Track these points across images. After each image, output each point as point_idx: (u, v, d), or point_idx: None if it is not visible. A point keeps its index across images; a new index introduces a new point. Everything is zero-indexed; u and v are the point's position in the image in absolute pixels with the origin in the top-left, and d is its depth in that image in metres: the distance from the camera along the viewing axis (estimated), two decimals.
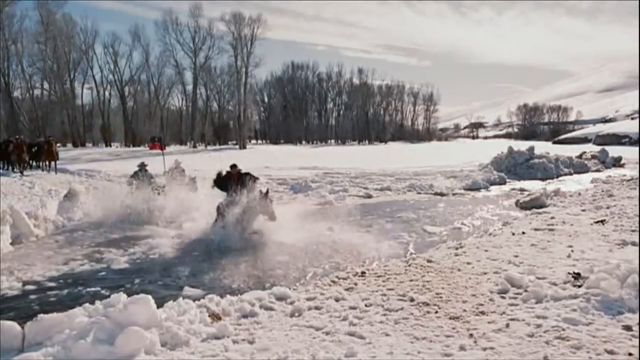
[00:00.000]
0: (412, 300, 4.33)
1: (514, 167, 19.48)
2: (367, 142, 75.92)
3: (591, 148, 36.29)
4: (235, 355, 3.26)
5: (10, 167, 19.73)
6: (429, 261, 5.76)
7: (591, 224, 7.68)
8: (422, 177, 16.82)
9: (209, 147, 53.60)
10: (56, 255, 6.58)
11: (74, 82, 50.40)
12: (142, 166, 10.60)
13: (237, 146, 53.59)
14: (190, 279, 5.54)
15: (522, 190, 14.21)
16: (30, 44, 44.79)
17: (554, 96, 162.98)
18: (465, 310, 4.02)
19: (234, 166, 8.70)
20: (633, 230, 6.87)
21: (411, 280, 4.96)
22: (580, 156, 25.39)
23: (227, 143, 60.05)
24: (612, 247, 5.96)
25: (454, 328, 3.67)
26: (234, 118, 58.59)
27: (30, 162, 19.96)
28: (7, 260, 6.21)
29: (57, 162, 19.92)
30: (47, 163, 19.79)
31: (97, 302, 3.78)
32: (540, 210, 9.84)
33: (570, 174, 20.39)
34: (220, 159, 30.79)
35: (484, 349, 3.27)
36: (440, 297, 4.38)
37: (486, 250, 6.19)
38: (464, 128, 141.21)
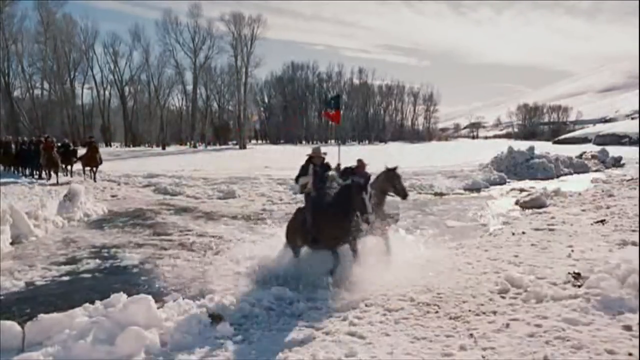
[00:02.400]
0: (412, 300, 4.34)
1: (514, 167, 19.45)
2: (367, 142, 75.91)
3: (591, 148, 36.18)
4: (235, 355, 3.26)
5: (36, 173, 17.11)
6: (428, 261, 5.76)
7: (591, 224, 7.68)
8: (422, 177, 16.80)
9: (209, 147, 53.63)
10: (56, 255, 6.58)
11: (74, 82, 50.54)
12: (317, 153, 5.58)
13: (237, 146, 53.62)
14: (190, 278, 5.54)
15: (522, 190, 14.19)
16: (30, 44, 44.91)
17: (554, 96, 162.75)
18: (465, 310, 4.02)
19: None
20: (633, 230, 6.86)
21: (411, 280, 4.95)
22: (580, 156, 25.35)
23: (227, 143, 60.06)
24: (612, 247, 5.95)
25: (454, 328, 3.67)
26: (234, 118, 58.61)
27: (64, 166, 16.88)
28: (7, 260, 6.21)
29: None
30: (90, 169, 16.60)
31: (97, 302, 3.78)
32: (540, 210, 9.83)
33: (570, 173, 20.35)
34: (221, 158, 30.82)
35: (484, 349, 3.27)
36: (440, 297, 4.38)
37: (486, 250, 6.19)
38: (464, 128, 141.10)
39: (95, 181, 15.96)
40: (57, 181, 15.17)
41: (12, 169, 18.95)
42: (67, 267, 6.00)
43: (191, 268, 5.96)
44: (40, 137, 20.24)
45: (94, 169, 16.59)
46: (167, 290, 5.09)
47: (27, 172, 18.06)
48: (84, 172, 16.80)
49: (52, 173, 15.85)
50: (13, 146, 19.03)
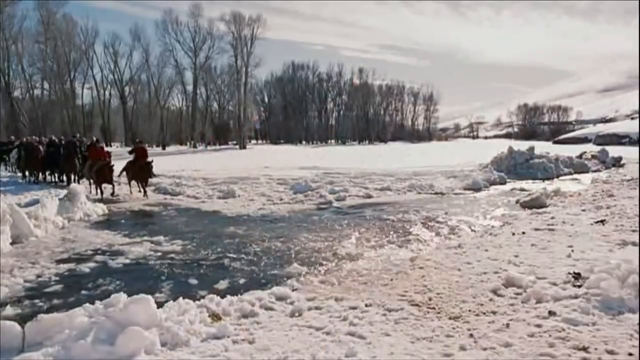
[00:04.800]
0: (412, 300, 4.34)
1: (514, 167, 19.46)
2: (367, 142, 75.98)
3: (591, 148, 36.23)
4: (235, 355, 3.26)
5: (64, 180, 14.61)
6: (427, 260, 5.76)
7: (591, 224, 7.67)
8: (422, 177, 16.82)
9: (209, 147, 53.68)
10: (56, 255, 6.58)
11: (74, 82, 50.68)
12: None
13: (237, 146, 53.66)
14: (190, 278, 5.54)
15: (522, 190, 14.20)
16: (31, 44, 44.98)
17: (554, 96, 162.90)
18: (465, 310, 4.02)
19: None
20: (633, 230, 6.86)
21: (411, 280, 4.96)
22: (580, 156, 25.37)
23: (227, 143, 60.18)
24: (612, 247, 5.95)
25: (454, 328, 3.66)
26: (234, 118, 58.68)
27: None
28: (7, 260, 6.20)
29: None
30: (138, 183, 12.88)
31: (97, 302, 3.78)
32: (540, 210, 9.83)
33: (571, 173, 20.36)
34: (221, 158, 30.83)
35: (484, 349, 3.27)
36: (440, 297, 4.38)
37: (486, 250, 6.18)
38: (464, 128, 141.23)
39: (146, 196, 12.44)
40: (102, 197, 12.16)
41: (40, 175, 15.93)
42: (67, 267, 6.00)
43: (194, 267, 5.96)
44: (74, 136, 17.36)
45: (144, 183, 12.75)
46: (167, 289, 5.09)
47: (60, 178, 15.37)
48: (133, 185, 13.19)
49: (100, 187, 12.52)
50: (42, 148, 15.63)
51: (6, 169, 20.69)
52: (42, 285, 5.32)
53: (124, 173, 13.15)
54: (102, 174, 12.21)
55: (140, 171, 12.56)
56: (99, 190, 12.50)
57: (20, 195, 12.21)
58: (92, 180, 12.86)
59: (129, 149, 13.95)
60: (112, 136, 56.56)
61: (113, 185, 12.64)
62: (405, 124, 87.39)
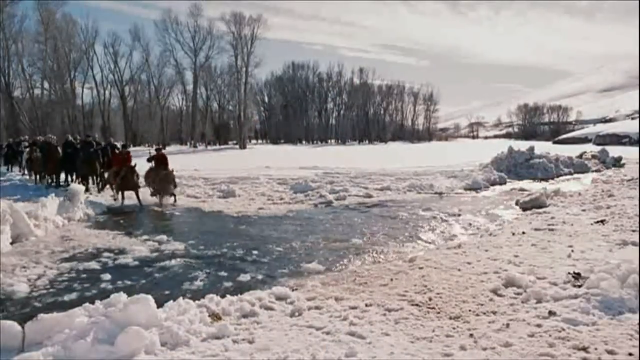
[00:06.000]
0: (412, 300, 4.34)
1: (514, 167, 19.45)
2: (367, 142, 75.94)
3: (591, 148, 36.25)
4: (235, 354, 3.26)
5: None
6: (427, 260, 5.76)
7: (591, 224, 7.68)
8: (422, 177, 16.81)
9: (209, 147, 53.67)
10: (56, 255, 6.58)
11: (74, 81, 50.43)
12: None
13: (237, 146, 53.66)
14: (190, 278, 5.54)
15: (522, 190, 14.20)
16: (31, 44, 44.82)
17: (554, 96, 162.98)
18: (465, 310, 4.02)
19: None
20: (633, 230, 6.86)
21: (411, 280, 4.96)
22: (580, 156, 25.36)
23: (227, 143, 60.14)
24: (612, 247, 5.96)
25: (454, 328, 3.66)
26: (234, 118, 58.65)
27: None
28: (7, 259, 6.20)
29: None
30: (161, 195, 11.43)
31: (97, 302, 3.78)
32: (540, 210, 9.83)
33: (571, 173, 20.35)
34: (221, 158, 30.83)
35: (484, 349, 3.27)
36: (440, 297, 4.38)
37: (486, 250, 6.18)
38: (464, 128, 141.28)
39: (173, 204, 11.29)
40: (121, 202, 11.49)
41: (55, 179, 14.49)
42: (67, 267, 6.00)
43: (193, 266, 5.96)
44: (88, 136, 16.16)
45: (167, 195, 11.45)
46: (167, 289, 5.09)
47: (82, 182, 13.21)
48: (159, 196, 11.48)
49: (123, 194, 11.63)
50: (60, 150, 14.39)
51: (17, 170, 19.39)
52: (41, 285, 5.32)
53: (149, 184, 12.01)
54: (126, 180, 11.33)
55: (161, 183, 11.35)
56: (120, 196, 11.64)
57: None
58: (114, 187, 11.95)
59: (152, 152, 12.94)
60: (112, 136, 56.54)
61: (137, 192, 11.47)
62: (405, 124, 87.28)
